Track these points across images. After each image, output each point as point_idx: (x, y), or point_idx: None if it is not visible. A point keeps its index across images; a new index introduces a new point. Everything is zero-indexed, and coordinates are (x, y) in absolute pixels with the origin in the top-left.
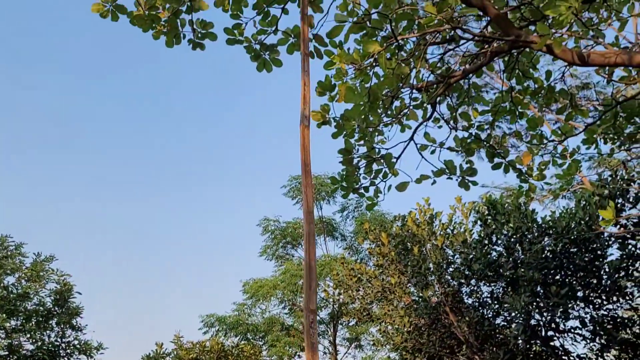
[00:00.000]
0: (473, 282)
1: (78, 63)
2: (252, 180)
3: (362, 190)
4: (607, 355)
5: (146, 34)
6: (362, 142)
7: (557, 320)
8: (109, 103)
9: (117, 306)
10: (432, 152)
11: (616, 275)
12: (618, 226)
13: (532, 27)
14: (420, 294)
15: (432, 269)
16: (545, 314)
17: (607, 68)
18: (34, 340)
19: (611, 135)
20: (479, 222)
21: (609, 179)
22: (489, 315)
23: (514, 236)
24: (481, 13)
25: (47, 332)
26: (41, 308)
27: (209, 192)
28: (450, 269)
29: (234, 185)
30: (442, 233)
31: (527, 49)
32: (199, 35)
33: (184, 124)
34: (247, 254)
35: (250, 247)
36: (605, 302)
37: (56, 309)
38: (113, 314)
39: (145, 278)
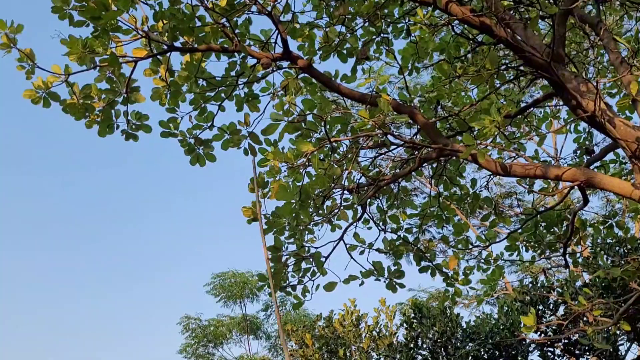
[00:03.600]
0: None
1: None
2: (171, 277)
3: (289, 289)
4: None
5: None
6: (291, 240)
7: None
8: None
9: None
10: (361, 252)
11: None
12: (539, 332)
13: (459, 137)
14: None
15: None
16: None
17: (527, 179)
18: None
19: (532, 243)
20: (404, 325)
21: (530, 285)
22: None
23: (439, 340)
24: (411, 120)
25: None
26: None
27: (127, 288)
28: None
29: (152, 280)
30: (367, 335)
31: (454, 157)
32: (133, 126)
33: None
34: (164, 354)
35: (168, 345)
36: None
37: None
38: None
39: None
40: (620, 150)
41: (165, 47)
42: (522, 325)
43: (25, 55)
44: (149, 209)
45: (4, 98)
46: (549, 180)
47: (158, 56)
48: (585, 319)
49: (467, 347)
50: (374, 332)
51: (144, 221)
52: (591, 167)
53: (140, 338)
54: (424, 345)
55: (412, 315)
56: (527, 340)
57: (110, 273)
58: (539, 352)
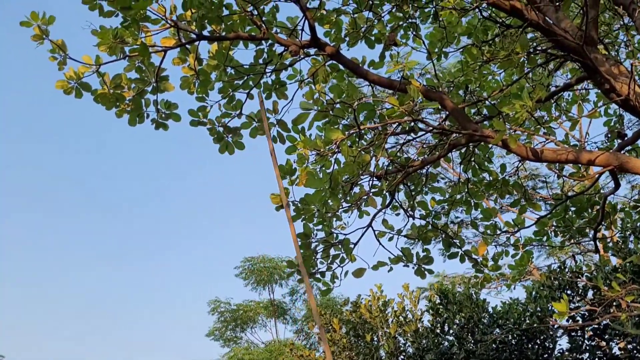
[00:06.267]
0: None
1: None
2: (201, 260)
3: (318, 275)
4: None
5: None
6: (320, 226)
7: None
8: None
9: None
10: (390, 239)
11: None
12: (568, 319)
13: (486, 123)
14: None
15: (384, 357)
16: None
17: (557, 164)
18: None
19: (562, 229)
20: (430, 311)
21: (558, 270)
22: None
23: (466, 326)
24: (440, 107)
25: None
26: None
27: (157, 266)
28: (402, 358)
29: (182, 263)
30: (394, 321)
31: (483, 143)
32: (163, 115)
33: (127, 203)
34: (191, 333)
35: (196, 326)
36: None
37: None
38: None
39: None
40: None
41: (193, 36)
42: (550, 310)
43: (57, 46)
44: (181, 185)
45: None
46: (579, 166)
47: (187, 45)
48: (615, 304)
49: (494, 332)
50: (400, 318)
51: (178, 198)
52: (623, 151)
53: (165, 318)
54: (450, 331)
55: (438, 300)
56: (556, 326)
57: (131, 249)
58: (568, 337)
